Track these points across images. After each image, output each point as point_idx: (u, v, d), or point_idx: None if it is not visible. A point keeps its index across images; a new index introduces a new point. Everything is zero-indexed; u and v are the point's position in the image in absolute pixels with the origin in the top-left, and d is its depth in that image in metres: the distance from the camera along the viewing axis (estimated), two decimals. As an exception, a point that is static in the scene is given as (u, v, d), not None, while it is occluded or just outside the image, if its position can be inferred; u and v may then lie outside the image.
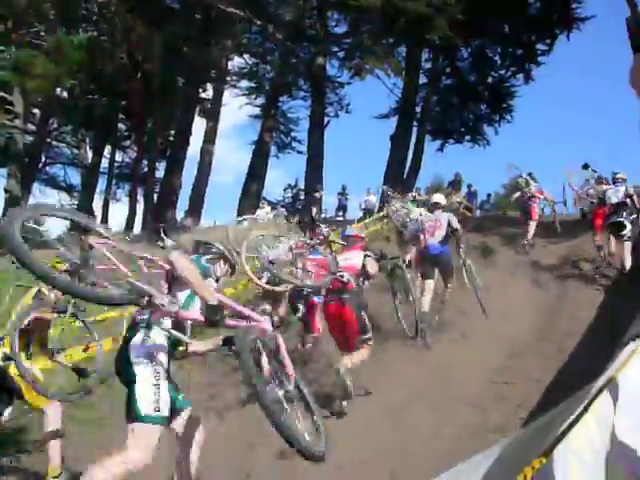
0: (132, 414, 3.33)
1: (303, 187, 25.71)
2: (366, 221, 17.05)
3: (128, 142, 29.11)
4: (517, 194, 13.52)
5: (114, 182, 28.95)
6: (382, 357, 6.91)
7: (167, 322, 3.49)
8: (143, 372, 3.37)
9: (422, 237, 8.45)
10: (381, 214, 16.55)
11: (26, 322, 4.99)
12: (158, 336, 3.46)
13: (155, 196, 25.15)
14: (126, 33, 19.70)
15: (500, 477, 1.34)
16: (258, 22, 22.30)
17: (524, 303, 9.01)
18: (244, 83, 26.21)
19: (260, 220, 17.89)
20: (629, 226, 9.53)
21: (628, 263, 9.42)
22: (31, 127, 25.12)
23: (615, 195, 9.91)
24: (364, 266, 6.70)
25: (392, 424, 5.33)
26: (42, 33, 19.86)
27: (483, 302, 8.47)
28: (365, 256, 6.83)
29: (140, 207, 26.42)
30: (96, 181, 27.17)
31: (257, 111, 26.80)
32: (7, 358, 5.09)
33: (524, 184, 13.25)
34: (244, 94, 26.31)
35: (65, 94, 24.21)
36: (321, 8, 22.34)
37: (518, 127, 59.93)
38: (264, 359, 3.37)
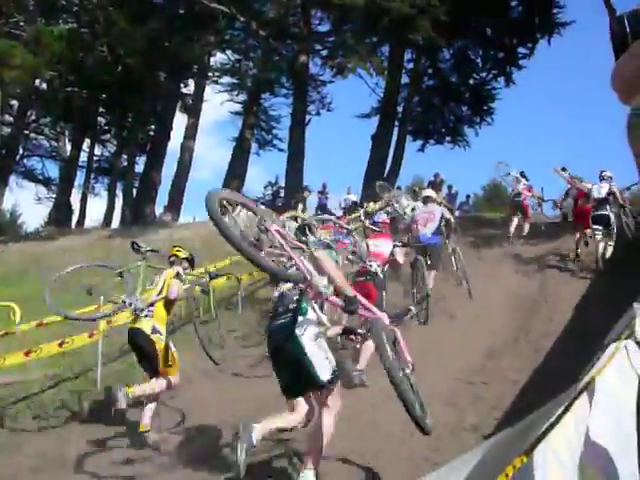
0: (314, 383, 3.90)
1: (283, 185, 25.61)
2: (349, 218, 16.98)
3: (108, 136, 28.76)
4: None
5: (93, 176, 28.61)
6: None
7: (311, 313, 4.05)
8: (310, 343, 3.87)
9: (414, 227, 8.86)
10: (359, 214, 16.47)
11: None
12: (312, 313, 4.03)
13: (134, 191, 24.88)
14: (107, 26, 19.37)
15: (485, 477, 1.36)
16: (241, 18, 22.08)
17: (505, 302, 9.15)
18: (226, 79, 25.88)
19: (240, 218, 17.75)
20: (613, 218, 10.31)
21: (601, 263, 9.94)
22: (9, 119, 24.69)
23: (598, 192, 10.72)
24: (392, 254, 7.20)
25: (370, 420, 5.35)
26: (21, 23, 19.51)
27: (467, 292, 9.15)
28: (394, 246, 7.29)
29: (119, 202, 26.19)
30: (74, 174, 26.74)
31: (238, 107, 26.60)
32: (156, 331, 5.85)
33: (515, 181, 13.58)
34: (226, 90, 26.06)
35: (44, 86, 23.75)
36: (305, 6, 22.23)
37: (498, 128, 60.28)
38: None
